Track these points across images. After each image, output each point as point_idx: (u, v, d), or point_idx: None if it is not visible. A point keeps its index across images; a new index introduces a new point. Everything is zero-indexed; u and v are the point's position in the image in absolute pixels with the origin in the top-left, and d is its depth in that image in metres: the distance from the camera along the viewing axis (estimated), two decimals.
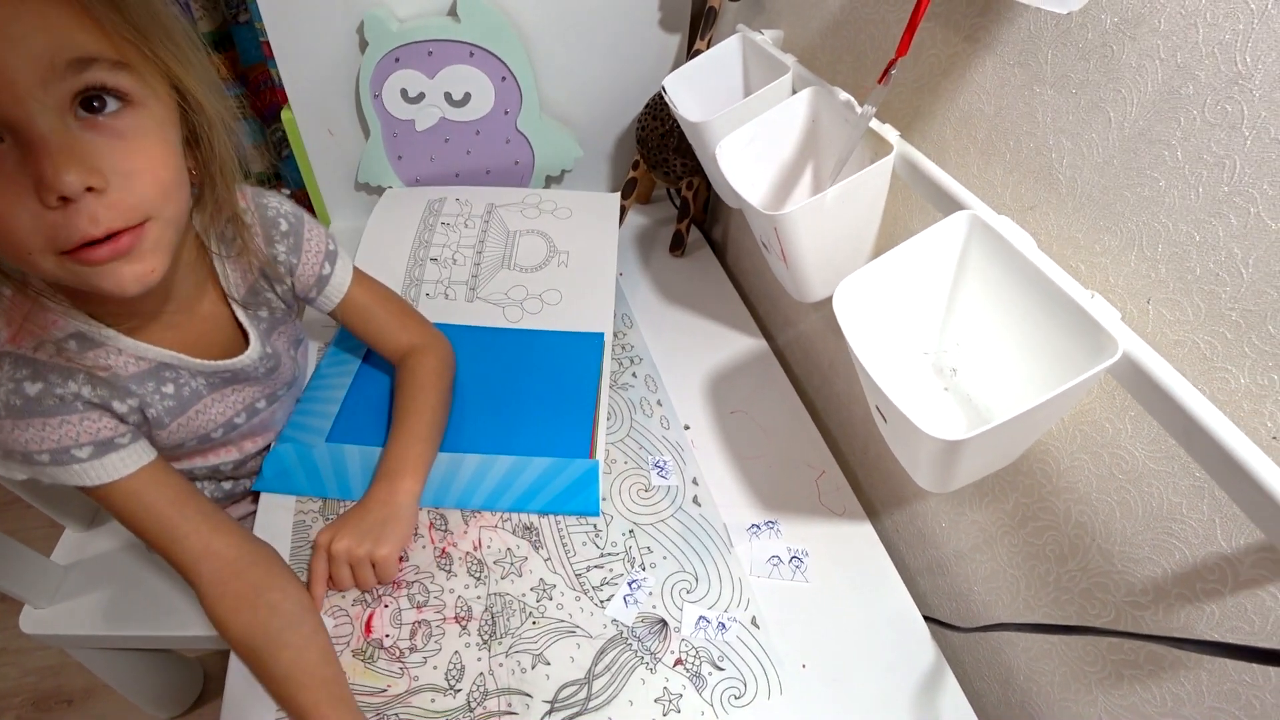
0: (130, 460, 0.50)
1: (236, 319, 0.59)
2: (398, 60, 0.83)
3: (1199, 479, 0.39)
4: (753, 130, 0.60)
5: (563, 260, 0.82)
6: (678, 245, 0.93)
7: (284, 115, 0.89)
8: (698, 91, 0.74)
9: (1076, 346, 0.39)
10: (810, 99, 0.60)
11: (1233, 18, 0.34)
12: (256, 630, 0.51)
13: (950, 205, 0.48)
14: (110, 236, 0.40)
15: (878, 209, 0.55)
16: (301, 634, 0.52)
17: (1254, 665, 0.38)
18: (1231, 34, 0.34)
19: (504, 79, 0.85)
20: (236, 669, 0.53)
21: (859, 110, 0.53)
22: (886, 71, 0.48)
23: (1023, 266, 0.42)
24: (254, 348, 0.59)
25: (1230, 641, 0.38)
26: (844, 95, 0.57)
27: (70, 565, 0.82)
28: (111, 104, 0.39)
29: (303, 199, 0.99)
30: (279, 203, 0.60)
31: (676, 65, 0.92)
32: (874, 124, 0.53)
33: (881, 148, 0.52)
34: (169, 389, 0.54)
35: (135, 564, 0.81)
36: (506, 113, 0.88)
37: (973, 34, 0.49)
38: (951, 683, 0.55)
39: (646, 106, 0.87)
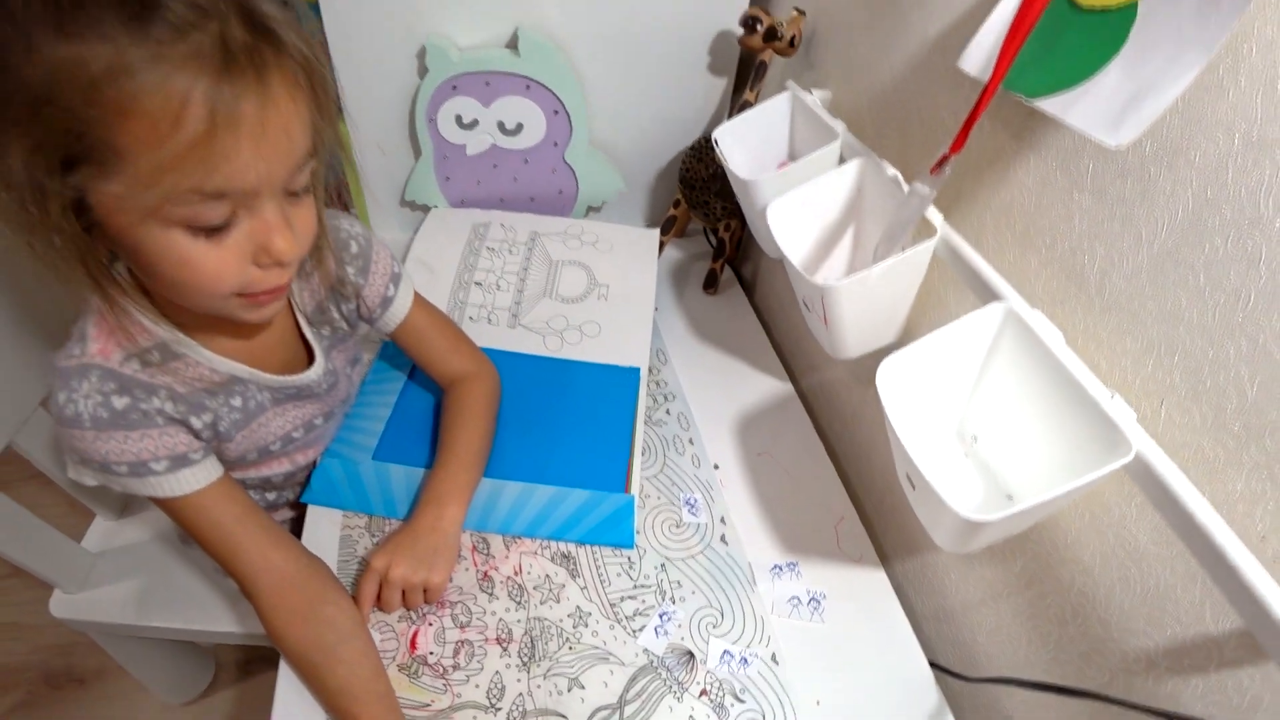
0: (201, 476, 0.53)
1: (302, 335, 0.62)
2: (455, 88, 0.86)
3: (1192, 566, 0.43)
4: (801, 195, 0.64)
5: (603, 293, 0.86)
6: (711, 283, 0.97)
7: (339, 129, 0.92)
8: (745, 144, 0.78)
9: (1094, 439, 0.44)
10: (858, 170, 0.64)
11: (1260, 166, 0.38)
12: (312, 643, 0.54)
13: (986, 291, 0.52)
14: None
15: (916, 282, 0.59)
16: (355, 649, 0.55)
17: None
18: (1257, 180, 0.38)
19: (556, 113, 0.89)
20: (287, 677, 0.55)
21: (905, 188, 0.58)
22: (940, 164, 0.52)
23: (1050, 361, 0.46)
24: (319, 364, 0.62)
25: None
26: (891, 170, 0.61)
27: (100, 553, 0.85)
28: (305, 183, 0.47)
29: (336, 204, 1.03)
30: (350, 224, 0.63)
31: (720, 109, 0.97)
32: None
33: (925, 229, 0.57)
34: (237, 402, 0.57)
35: (164, 556, 0.84)
36: (556, 144, 0.92)
37: (1020, 133, 0.53)
38: None
39: (691, 148, 0.91)
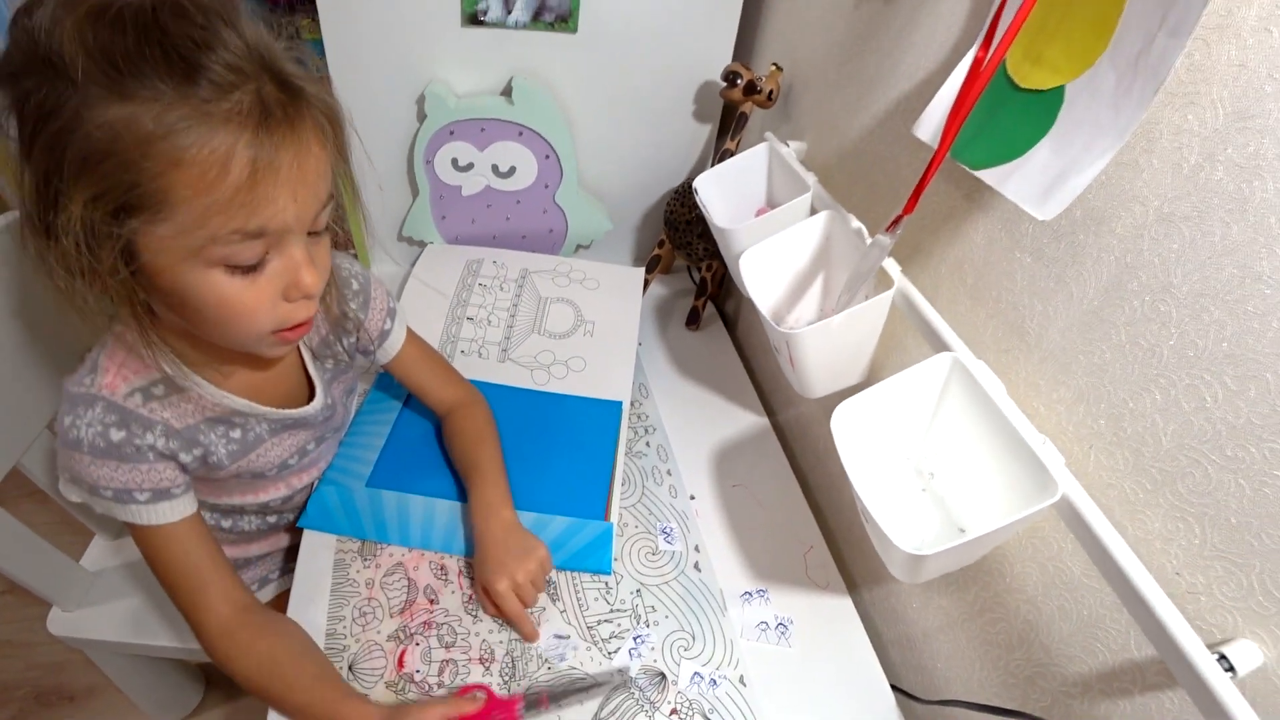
0: (178, 509, 0.57)
1: (305, 369, 0.66)
2: (452, 133, 0.91)
3: (1117, 598, 0.47)
4: (773, 244, 0.69)
5: (589, 330, 0.90)
6: (694, 320, 1.01)
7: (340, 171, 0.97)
8: (725, 190, 0.83)
9: (1028, 480, 0.48)
10: (826, 222, 0.68)
11: (1169, 239, 0.43)
12: (280, 649, 0.58)
13: (938, 341, 0.56)
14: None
15: (878, 329, 0.63)
16: (319, 654, 0.59)
17: None
18: (1168, 251, 0.43)
19: (548, 157, 0.94)
20: None
21: (868, 240, 0.62)
22: (894, 223, 0.56)
23: (991, 408, 0.50)
24: (319, 398, 0.66)
25: None
26: (856, 223, 0.65)
27: (98, 571, 0.87)
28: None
29: (343, 242, 1.07)
30: (349, 263, 0.68)
31: (704, 155, 1.02)
32: None
33: (884, 281, 0.61)
34: (236, 434, 0.61)
35: None
36: (546, 186, 0.97)
37: (970, 194, 0.58)
38: None
39: (675, 192, 0.96)
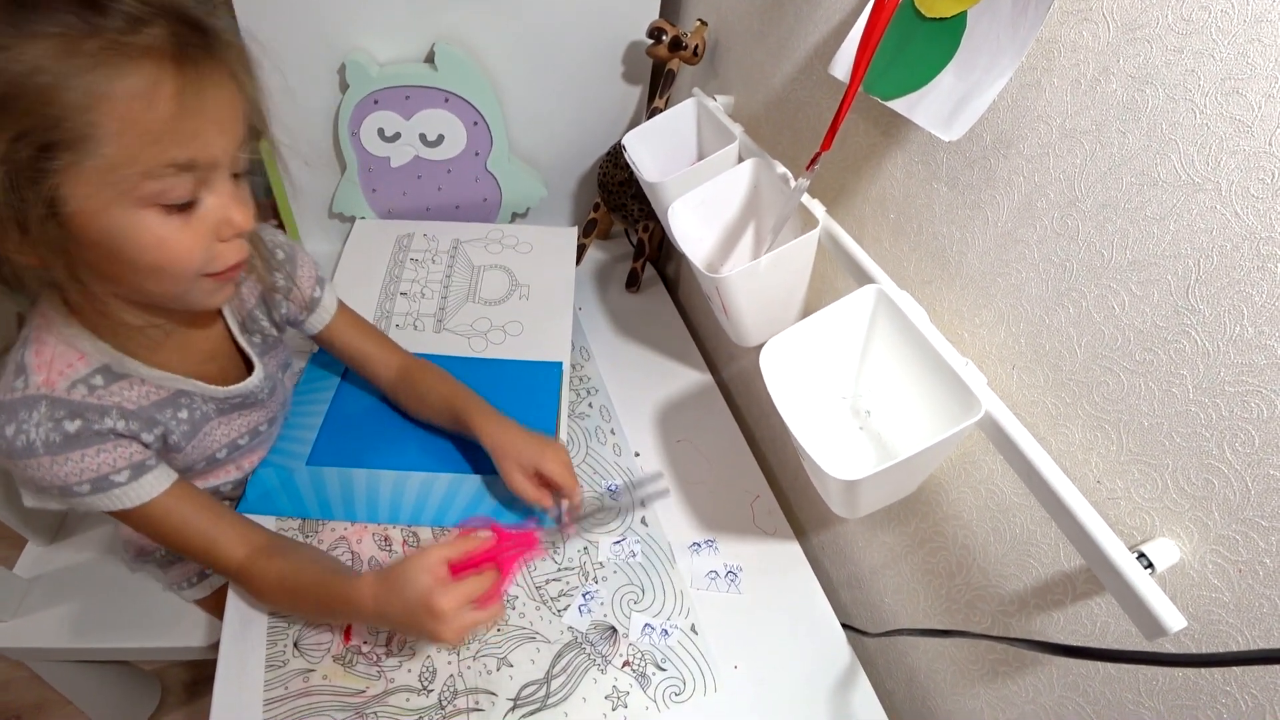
0: (162, 479, 0.55)
1: (236, 345, 0.64)
2: (376, 102, 0.89)
3: (1045, 511, 0.49)
4: (701, 194, 0.68)
5: (524, 294, 0.89)
6: (633, 283, 1.01)
7: (261, 145, 0.93)
8: (655, 147, 0.82)
9: (954, 402, 0.48)
10: (753, 169, 0.68)
11: (1072, 154, 0.44)
12: (287, 566, 0.59)
13: (863, 276, 0.57)
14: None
15: (806, 271, 0.64)
16: (319, 553, 0.63)
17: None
18: (1071, 166, 0.44)
19: (476, 124, 0.92)
20: (224, 681, 0.57)
21: (793, 183, 0.62)
22: (813, 162, 0.56)
23: (916, 336, 0.51)
24: (259, 372, 0.64)
25: (1060, 643, 0.47)
26: (781, 169, 0.65)
27: (33, 579, 0.84)
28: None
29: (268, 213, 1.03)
30: (272, 234, 0.66)
31: (636, 115, 1.01)
32: (805, 199, 0.62)
33: (809, 221, 0.61)
34: (184, 414, 0.58)
35: (100, 578, 0.83)
36: (477, 154, 0.95)
37: (888, 130, 0.58)
38: (864, 681, 0.63)
39: (608, 154, 0.95)
